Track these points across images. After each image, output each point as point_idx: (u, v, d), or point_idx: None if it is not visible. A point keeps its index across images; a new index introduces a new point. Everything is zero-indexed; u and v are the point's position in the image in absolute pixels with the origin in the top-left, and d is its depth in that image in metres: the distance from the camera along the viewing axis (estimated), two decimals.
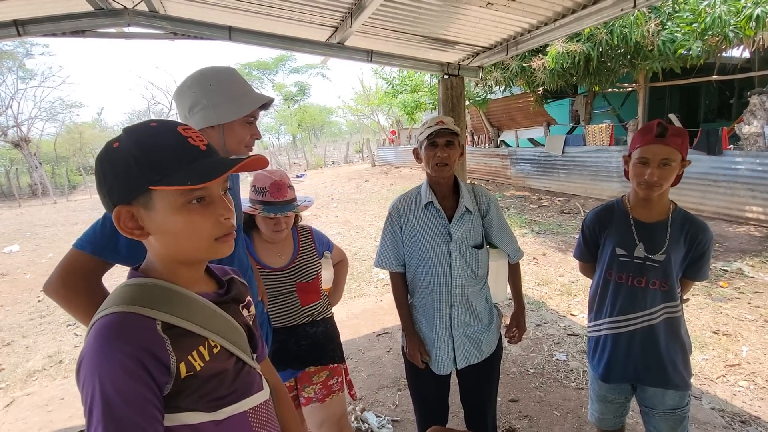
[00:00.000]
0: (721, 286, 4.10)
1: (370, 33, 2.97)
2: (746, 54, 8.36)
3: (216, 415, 0.67)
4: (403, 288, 1.64)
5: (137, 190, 0.64)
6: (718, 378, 2.66)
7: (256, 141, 1.27)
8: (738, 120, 6.52)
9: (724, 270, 4.52)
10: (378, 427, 2.30)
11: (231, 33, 2.74)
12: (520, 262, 1.71)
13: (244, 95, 1.18)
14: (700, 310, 3.61)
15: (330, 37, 3.10)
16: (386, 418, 2.37)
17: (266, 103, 1.25)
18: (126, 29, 2.73)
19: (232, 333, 0.73)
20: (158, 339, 0.62)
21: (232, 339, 0.73)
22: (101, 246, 0.98)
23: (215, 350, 0.68)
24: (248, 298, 0.84)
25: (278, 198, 1.53)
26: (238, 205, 1.35)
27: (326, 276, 1.79)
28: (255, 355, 0.83)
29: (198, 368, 0.64)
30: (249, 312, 0.83)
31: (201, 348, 0.66)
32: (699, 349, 2.97)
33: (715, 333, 3.23)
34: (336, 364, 1.68)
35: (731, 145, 6.56)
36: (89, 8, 2.49)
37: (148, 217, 0.66)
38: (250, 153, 1.24)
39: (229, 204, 0.71)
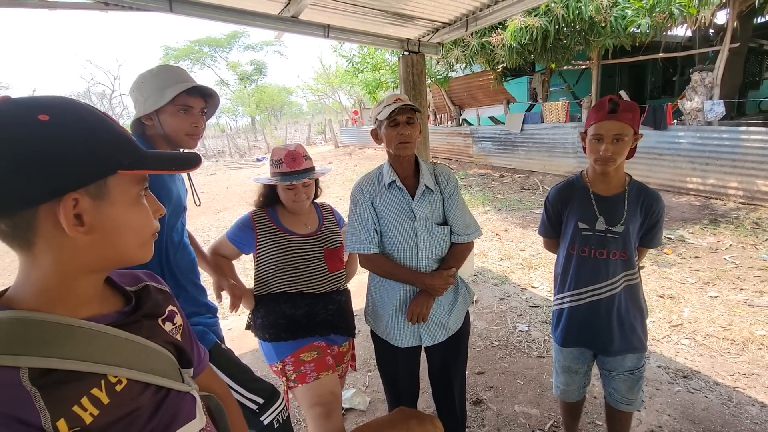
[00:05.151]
0: (665, 253, 4.41)
1: (326, 6, 2.83)
2: (688, 33, 8.82)
3: None
4: (386, 259, 1.52)
5: (98, 174, 0.53)
6: (663, 338, 2.87)
7: (202, 130, 1.37)
8: (681, 96, 6.90)
9: (668, 238, 4.85)
10: (350, 399, 2.32)
11: (171, 4, 2.50)
12: (485, 239, 1.71)
13: (169, 86, 1.26)
14: (647, 276, 3.86)
15: (283, 10, 2.92)
16: (354, 389, 2.38)
17: (204, 93, 1.34)
18: None
19: (145, 359, 0.60)
20: (21, 395, 0.47)
21: (146, 366, 0.60)
22: None
23: (118, 387, 0.55)
24: (170, 307, 0.70)
25: (294, 167, 1.59)
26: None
27: None
28: (192, 370, 0.73)
29: (88, 420, 0.50)
30: (173, 324, 0.70)
31: (95, 391, 0.52)
32: (648, 312, 3.18)
33: (661, 297, 3.48)
34: (352, 337, 1.78)
35: (675, 120, 6.97)
36: None
37: (96, 209, 0.53)
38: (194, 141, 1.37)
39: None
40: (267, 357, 1.62)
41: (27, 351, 0.49)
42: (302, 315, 1.58)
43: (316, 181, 1.74)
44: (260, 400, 1.38)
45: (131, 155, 0.56)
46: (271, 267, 1.61)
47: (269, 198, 1.69)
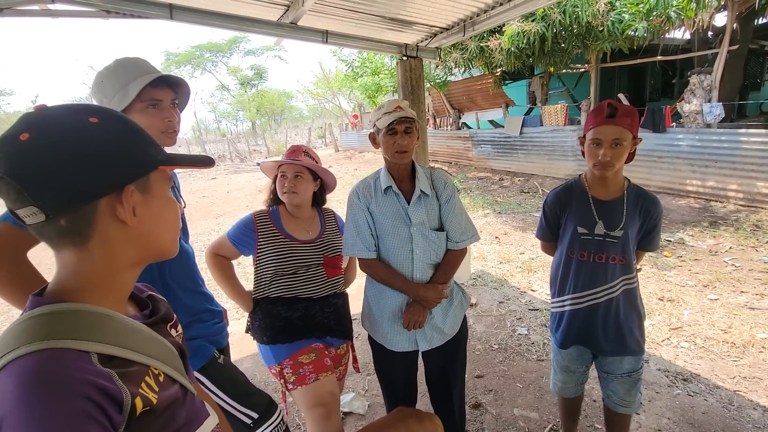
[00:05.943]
0: (665, 256, 4.40)
1: (325, 12, 2.85)
2: (687, 35, 8.84)
3: None
4: (383, 266, 1.52)
5: (147, 168, 0.59)
6: (663, 341, 2.86)
7: (178, 124, 1.23)
8: (679, 99, 6.91)
9: (668, 240, 4.85)
10: (349, 403, 2.32)
11: (172, 11, 2.53)
12: (484, 243, 1.71)
13: (131, 81, 1.15)
14: (647, 279, 3.86)
15: (282, 16, 2.94)
16: (353, 393, 2.38)
17: (171, 82, 1.20)
18: (51, 6, 2.46)
19: (170, 357, 0.63)
20: (103, 373, 0.49)
21: (173, 364, 0.63)
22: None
23: (160, 378, 0.59)
24: (174, 316, 0.75)
25: (289, 157, 1.66)
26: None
27: None
28: None
29: (155, 401, 0.54)
30: (177, 332, 0.73)
31: (147, 378, 0.56)
32: (647, 315, 3.17)
33: (660, 300, 3.47)
34: (350, 340, 1.79)
35: (674, 123, 6.98)
36: None
37: (144, 202, 0.60)
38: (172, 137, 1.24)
39: None
40: (265, 360, 1.63)
41: (90, 337, 0.52)
42: (298, 317, 1.59)
43: (322, 189, 1.78)
44: (255, 415, 1.32)
45: (162, 153, 0.62)
46: (270, 271, 1.62)
47: (277, 195, 1.72)
